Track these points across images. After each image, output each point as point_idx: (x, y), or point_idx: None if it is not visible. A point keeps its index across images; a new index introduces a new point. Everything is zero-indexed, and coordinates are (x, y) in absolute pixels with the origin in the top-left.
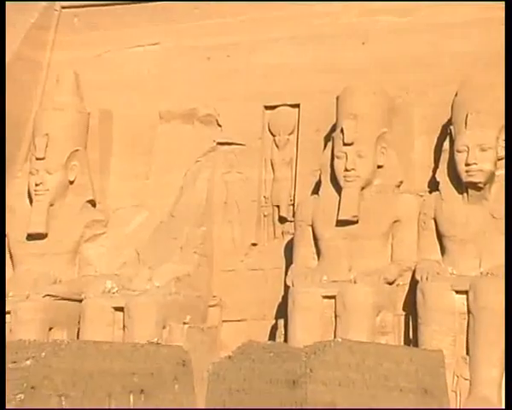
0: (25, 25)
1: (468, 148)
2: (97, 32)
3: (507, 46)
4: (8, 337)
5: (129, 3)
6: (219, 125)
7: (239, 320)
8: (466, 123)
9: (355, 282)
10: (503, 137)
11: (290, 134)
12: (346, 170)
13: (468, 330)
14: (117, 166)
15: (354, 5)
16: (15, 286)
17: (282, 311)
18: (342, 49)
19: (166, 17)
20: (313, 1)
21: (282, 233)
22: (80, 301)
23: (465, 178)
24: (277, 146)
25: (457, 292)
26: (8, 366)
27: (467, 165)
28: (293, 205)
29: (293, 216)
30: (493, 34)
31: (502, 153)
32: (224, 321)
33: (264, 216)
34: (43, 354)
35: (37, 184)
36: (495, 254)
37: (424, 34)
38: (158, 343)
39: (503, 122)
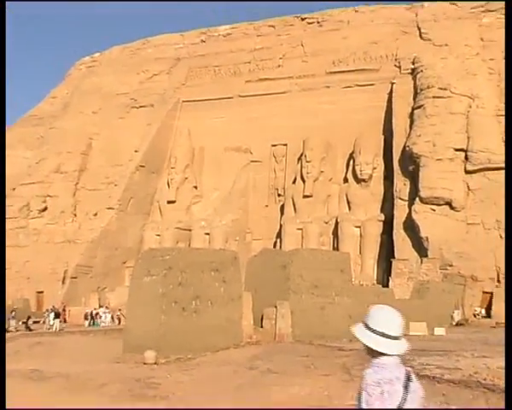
0: (166, 108)
1: (360, 163)
2: (200, 112)
3: (507, 46)
4: (158, 246)
5: (208, 100)
6: (251, 153)
7: (260, 239)
8: (360, 152)
9: (311, 222)
10: (376, 159)
11: (283, 157)
12: (307, 173)
13: (360, 244)
14: (206, 171)
15: (313, 100)
16: (162, 224)
17: (279, 235)
18: (306, 120)
19: (227, 105)
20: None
21: (279, 201)
22: (190, 230)
23: (359, 176)
24: (277, 162)
25: (356, 227)
26: (159, 258)
27: (360, 171)
28: (284, 189)
29: (284, 194)
30: (375, 112)
31: (376, 165)
32: (253, 239)
33: (271, 193)
34: (174, 253)
35: (171, 179)
36: (372, 211)
37: (342, 112)
38: (223, 249)
39: (376, 151)
